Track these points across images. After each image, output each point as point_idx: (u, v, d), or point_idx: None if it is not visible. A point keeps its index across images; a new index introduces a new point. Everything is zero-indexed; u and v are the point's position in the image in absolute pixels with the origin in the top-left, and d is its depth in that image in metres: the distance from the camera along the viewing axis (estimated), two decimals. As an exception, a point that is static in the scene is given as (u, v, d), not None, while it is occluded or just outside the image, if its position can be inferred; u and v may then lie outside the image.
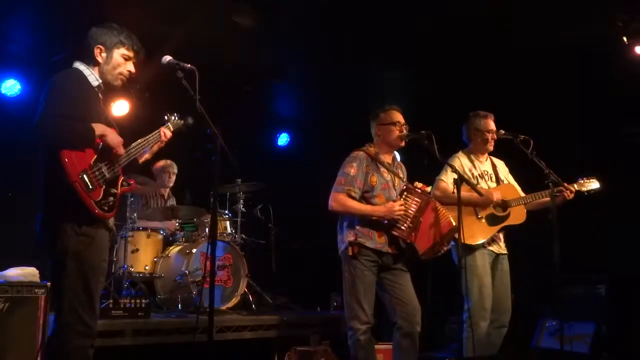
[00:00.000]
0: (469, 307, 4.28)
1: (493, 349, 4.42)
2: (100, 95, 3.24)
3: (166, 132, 3.50)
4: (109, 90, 3.31)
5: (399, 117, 4.28)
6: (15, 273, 4.00)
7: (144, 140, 3.39)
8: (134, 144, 3.31)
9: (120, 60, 3.24)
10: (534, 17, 5.57)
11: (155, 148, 3.53)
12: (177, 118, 3.67)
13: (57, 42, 5.86)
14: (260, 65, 6.80)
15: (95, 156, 3.05)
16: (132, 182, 3.32)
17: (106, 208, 3.05)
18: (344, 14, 5.87)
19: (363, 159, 4.18)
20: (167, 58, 3.23)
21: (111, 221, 3.19)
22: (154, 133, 3.46)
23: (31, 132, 2.91)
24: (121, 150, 3.16)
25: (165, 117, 3.63)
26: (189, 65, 3.18)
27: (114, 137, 3.12)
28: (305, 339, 5.41)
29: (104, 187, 3.05)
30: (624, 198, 5.58)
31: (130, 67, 3.28)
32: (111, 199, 3.09)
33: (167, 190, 6.57)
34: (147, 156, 3.52)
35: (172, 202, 6.57)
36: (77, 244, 2.96)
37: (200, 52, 5.07)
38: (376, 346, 4.24)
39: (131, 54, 3.27)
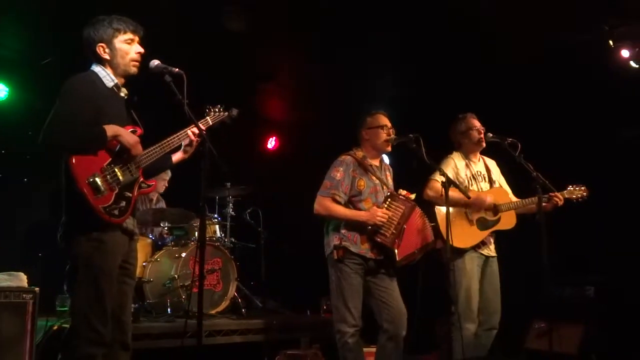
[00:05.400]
0: (456, 309, 4.30)
1: (483, 351, 4.44)
2: (121, 94, 3.18)
3: (195, 131, 3.28)
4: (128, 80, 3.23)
5: (385, 120, 4.29)
6: (2, 278, 3.97)
7: (169, 140, 3.25)
8: (158, 144, 3.21)
9: (124, 47, 3.16)
10: (524, 22, 5.59)
11: (190, 148, 3.35)
12: (220, 110, 3.53)
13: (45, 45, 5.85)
14: (249, 68, 6.80)
15: (110, 159, 2.98)
16: (152, 182, 3.24)
17: (116, 212, 2.96)
18: (335, 17, 5.89)
19: (350, 164, 4.18)
20: (155, 62, 3.19)
21: (130, 223, 3.10)
22: (179, 132, 3.29)
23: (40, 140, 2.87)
24: (136, 150, 3.07)
25: (207, 110, 3.51)
26: (177, 69, 3.14)
27: (128, 137, 3.04)
28: (295, 343, 5.40)
29: (117, 190, 2.97)
30: (613, 200, 5.60)
31: (137, 48, 3.19)
32: (123, 203, 3.00)
33: (157, 194, 6.54)
34: (182, 156, 3.39)
35: (161, 205, 6.54)
36: (87, 249, 2.93)
37: (189, 55, 5.08)
38: (366, 349, 4.24)
39: (131, 36, 3.18)
